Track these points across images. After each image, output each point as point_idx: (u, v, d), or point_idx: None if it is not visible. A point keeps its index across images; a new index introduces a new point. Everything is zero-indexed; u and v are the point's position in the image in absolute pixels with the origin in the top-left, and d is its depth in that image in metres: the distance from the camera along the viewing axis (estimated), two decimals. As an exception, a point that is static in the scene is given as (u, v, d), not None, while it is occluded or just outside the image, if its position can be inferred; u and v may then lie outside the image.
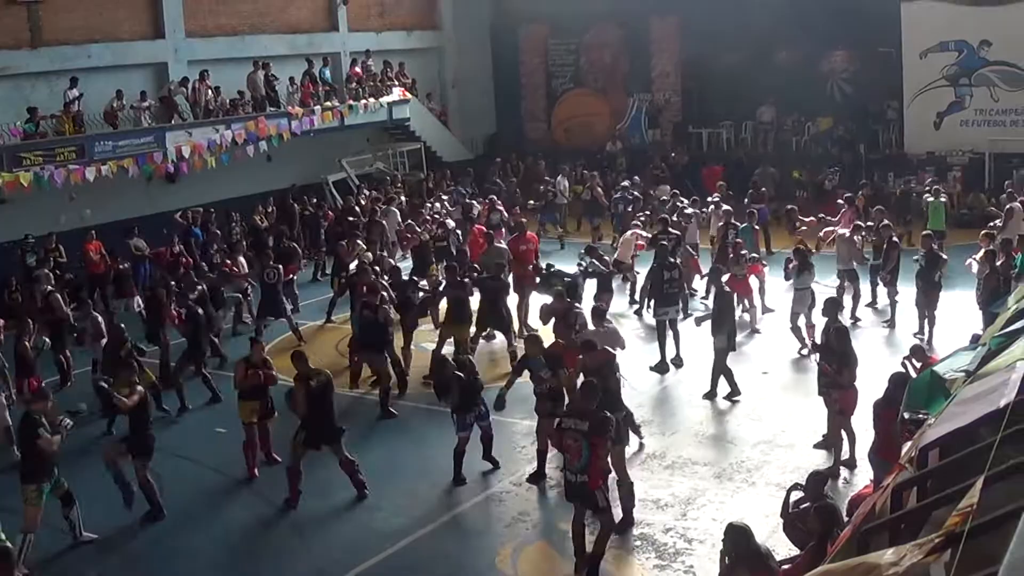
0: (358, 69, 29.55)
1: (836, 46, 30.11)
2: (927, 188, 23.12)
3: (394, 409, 15.00)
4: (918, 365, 11.16)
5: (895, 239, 18.28)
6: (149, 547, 11.31)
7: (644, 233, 20.54)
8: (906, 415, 8.17)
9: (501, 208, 23.72)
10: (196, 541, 11.31)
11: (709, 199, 23.19)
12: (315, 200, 26.37)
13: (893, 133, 29.30)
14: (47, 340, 16.56)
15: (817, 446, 12.76)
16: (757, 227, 19.62)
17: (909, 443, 7.09)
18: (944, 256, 16.99)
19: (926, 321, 16.71)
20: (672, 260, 17.10)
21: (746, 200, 23.66)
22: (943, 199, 21.67)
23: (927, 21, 27.79)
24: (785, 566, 8.48)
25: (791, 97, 30.22)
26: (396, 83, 30.32)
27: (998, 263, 15.63)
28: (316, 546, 11.14)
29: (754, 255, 18.45)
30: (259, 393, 12.87)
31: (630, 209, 23.65)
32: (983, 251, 16.46)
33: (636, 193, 24.55)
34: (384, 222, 23.61)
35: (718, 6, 29.96)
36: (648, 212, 23.42)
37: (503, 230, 21.96)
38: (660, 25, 32.88)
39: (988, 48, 27.06)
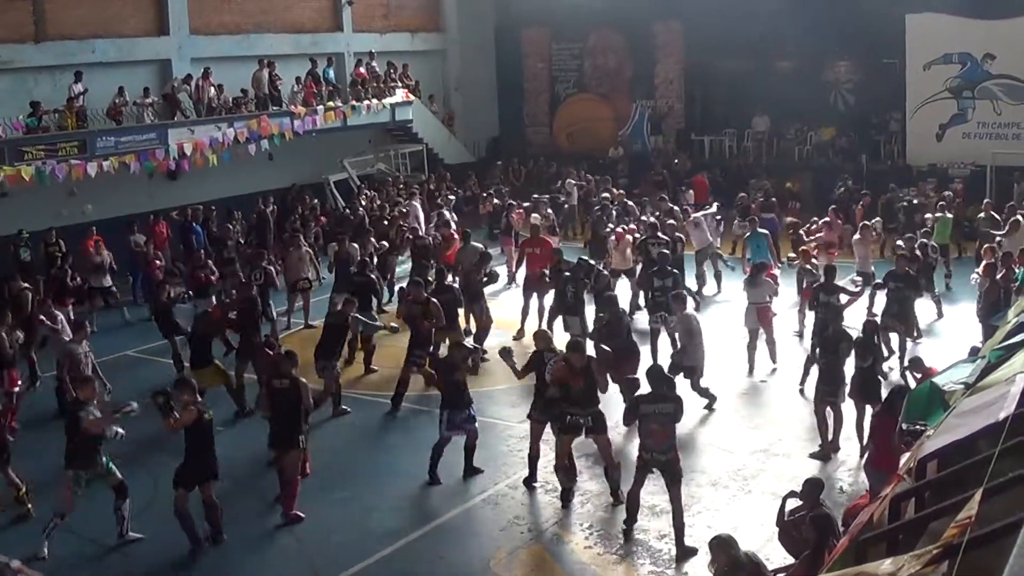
0: (362, 70, 29.56)
1: (840, 56, 30.16)
2: (914, 199, 23.08)
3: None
4: (918, 376, 11.17)
5: (916, 253, 17.80)
6: (143, 546, 11.23)
7: (629, 238, 20.33)
8: (904, 426, 8.17)
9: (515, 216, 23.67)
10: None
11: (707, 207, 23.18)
12: (315, 200, 26.40)
13: (895, 144, 29.29)
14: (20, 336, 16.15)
15: (813, 455, 12.76)
16: (763, 231, 19.61)
17: (907, 454, 7.08)
18: (920, 280, 16.57)
19: (906, 339, 16.04)
20: (668, 268, 16.89)
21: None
22: (949, 214, 21.48)
23: (931, 33, 27.82)
24: (780, 575, 8.50)
25: (794, 106, 30.17)
26: (399, 85, 30.34)
27: (998, 276, 15.57)
28: (311, 546, 11.12)
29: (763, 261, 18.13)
30: None
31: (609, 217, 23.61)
32: (984, 264, 16.43)
33: (614, 203, 24.21)
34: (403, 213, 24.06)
35: (722, 14, 29.94)
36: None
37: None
38: (664, 31, 32.90)
39: (992, 61, 27.08)
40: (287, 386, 11.65)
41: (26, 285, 17.66)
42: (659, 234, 19.44)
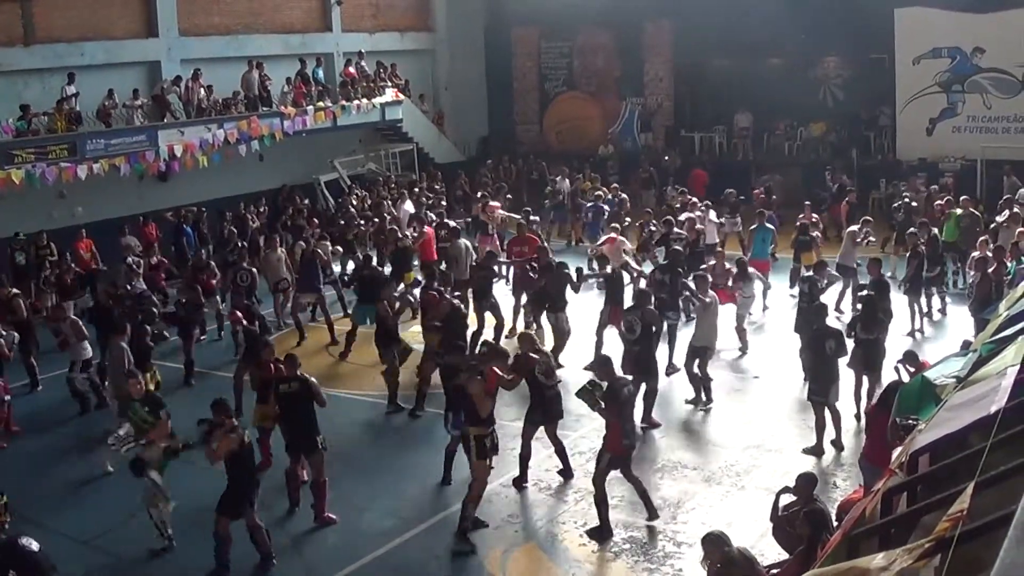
0: (351, 70, 29.54)
1: (829, 52, 30.16)
2: (906, 196, 23.08)
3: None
4: (911, 370, 11.19)
5: (919, 248, 17.74)
6: (135, 547, 11.22)
7: (626, 242, 20.20)
8: (897, 420, 8.18)
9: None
10: (186, 541, 11.19)
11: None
12: (306, 201, 26.36)
13: (885, 139, 29.34)
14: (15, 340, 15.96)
15: (806, 451, 12.79)
16: (770, 225, 19.75)
17: (899, 448, 7.09)
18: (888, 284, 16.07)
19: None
20: (673, 265, 16.77)
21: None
22: (957, 211, 21.21)
23: (920, 27, 27.83)
24: (774, 571, 8.50)
25: (783, 102, 30.14)
26: (389, 84, 30.32)
27: (990, 270, 15.59)
28: (305, 547, 11.11)
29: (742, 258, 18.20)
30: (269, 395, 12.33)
31: (595, 216, 23.75)
32: (974, 257, 16.43)
33: (603, 204, 24.27)
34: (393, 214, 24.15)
35: (711, 11, 29.98)
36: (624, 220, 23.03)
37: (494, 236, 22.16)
38: (653, 29, 32.90)
39: (981, 55, 27.10)
40: (296, 389, 11.46)
41: (16, 291, 17.52)
42: (676, 229, 19.54)
